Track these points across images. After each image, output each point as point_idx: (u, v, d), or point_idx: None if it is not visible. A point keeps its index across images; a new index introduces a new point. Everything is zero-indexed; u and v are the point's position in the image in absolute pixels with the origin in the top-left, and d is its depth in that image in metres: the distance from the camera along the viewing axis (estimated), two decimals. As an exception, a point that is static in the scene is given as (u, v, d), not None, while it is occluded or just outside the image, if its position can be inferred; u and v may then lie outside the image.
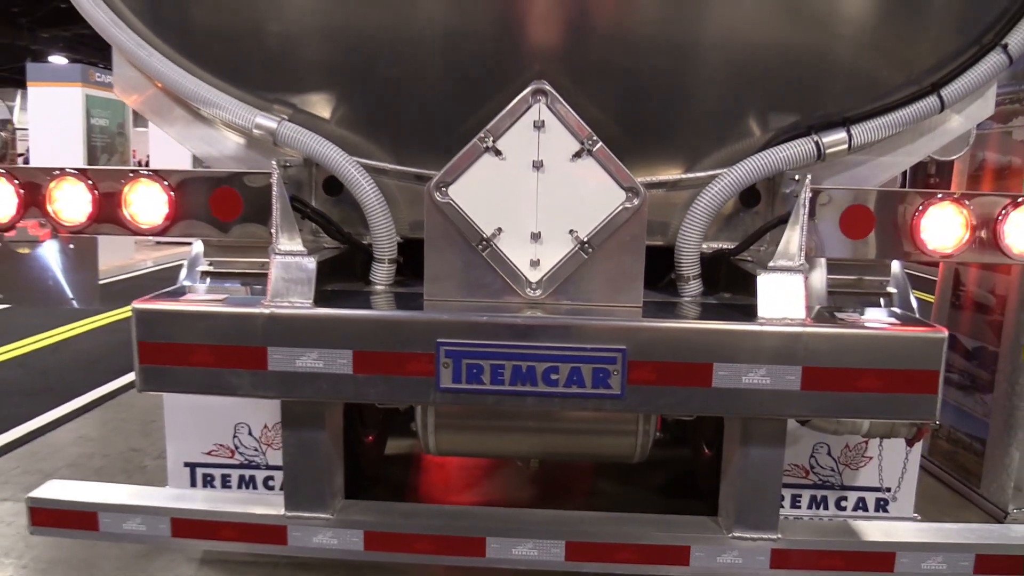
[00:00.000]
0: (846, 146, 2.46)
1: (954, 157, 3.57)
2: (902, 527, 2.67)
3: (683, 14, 2.39)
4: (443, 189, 2.36)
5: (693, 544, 2.46)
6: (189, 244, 3.01)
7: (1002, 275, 4.16)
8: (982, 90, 2.52)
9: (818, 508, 3.40)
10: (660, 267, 2.62)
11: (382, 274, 2.56)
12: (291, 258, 2.34)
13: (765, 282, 2.33)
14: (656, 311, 2.40)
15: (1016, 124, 4.14)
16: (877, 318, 2.44)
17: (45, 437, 5.08)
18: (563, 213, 2.37)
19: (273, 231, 2.38)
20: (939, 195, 2.52)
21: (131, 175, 2.51)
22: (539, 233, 2.38)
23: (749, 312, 2.31)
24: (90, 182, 2.51)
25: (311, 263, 2.34)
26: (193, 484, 3.41)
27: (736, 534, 2.48)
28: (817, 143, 2.45)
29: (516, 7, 2.39)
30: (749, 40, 2.40)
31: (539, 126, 2.33)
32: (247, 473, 3.42)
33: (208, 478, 3.41)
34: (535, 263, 2.39)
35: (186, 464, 3.40)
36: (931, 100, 2.44)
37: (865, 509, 3.39)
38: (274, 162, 2.37)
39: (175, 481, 3.39)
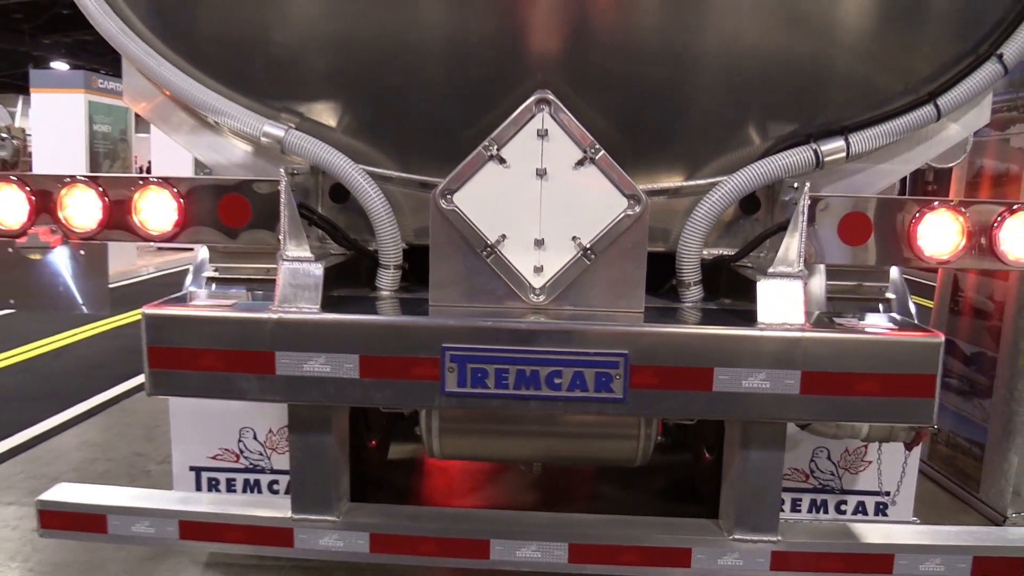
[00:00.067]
0: (844, 154, 2.49)
1: (951, 164, 3.60)
2: (901, 529, 2.69)
3: (684, 24, 2.42)
4: (448, 196, 2.39)
5: (694, 546, 2.48)
6: (191, 250, 3.04)
7: (1000, 281, 4.19)
8: (978, 99, 2.55)
9: (818, 512, 3.43)
10: (661, 273, 2.65)
11: (388, 280, 2.59)
12: (299, 264, 2.37)
13: (765, 288, 2.35)
14: (658, 316, 2.43)
15: (1014, 131, 4.17)
16: (875, 323, 2.47)
17: (49, 442, 5.11)
18: (566, 220, 2.39)
19: (281, 238, 2.40)
20: (936, 202, 2.55)
21: (141, 182, 2.54)
22: (542, 240, 2.41)
23: (749, 317, 2.34)
24: (100, 189, 2.53)
25: (318, 269, 2.37)
26: (198, 488, 3.44)
27: (736, 536, 2.50)
28: (816, 151, 2.48)
29: (519, 17, 2.42)
30: (749, 50, 2.43)
31: (542, 134, 2.36)
32: (252, 477, 3.45)
33: (213, 482, 3.44)
34: (539, 269, 2.42)
35: (191, 468, 3.43)
36: (928, 109, 2.46)
37: (865, 513, 3.42)
38: (282, 170, 2.39)
39: (181, 485, 3.42)
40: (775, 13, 2.41)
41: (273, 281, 2.50)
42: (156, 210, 2.54)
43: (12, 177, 2.55)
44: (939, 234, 2.54)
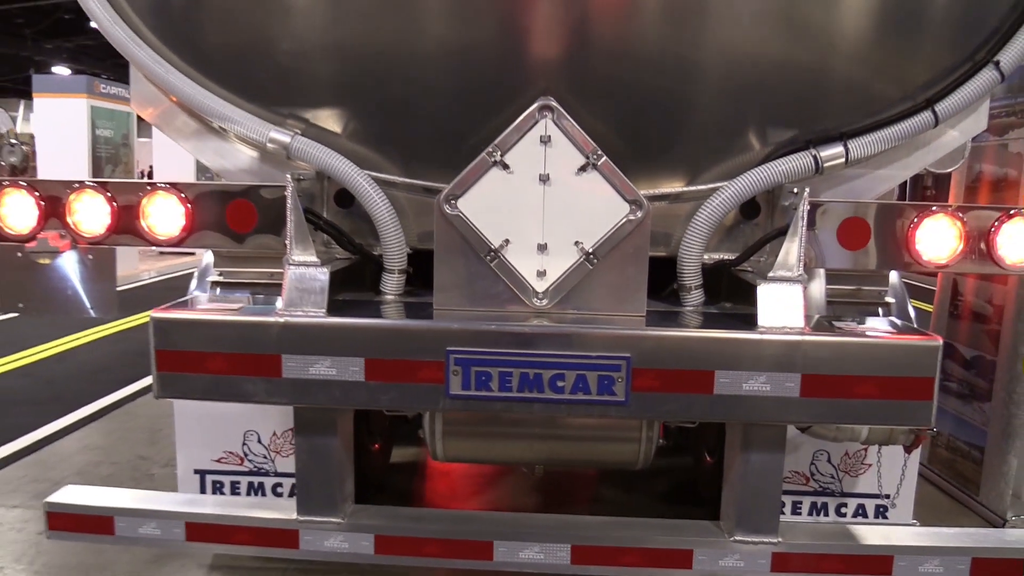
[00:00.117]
0: (843, 160, 2.52)
1: (950, 170, 3.63)
2: (900, 531, 2.71)
3: (685, 32, 2.45)
4: (452, 202, 2.42)
5: (696, 548, 2.50)
6: (193, 254, 3.06)
7: (999, 285, 4.21)
8: (975, 105, 2.58)
9: (818, 514, 3.44)
10: (663, 277, 2.67)
11: (392, 284, 2.61)
12: (305, 269, 2.40)
13: (765, 292, 2.38)
14: (659, 320, 2.45)
15: (1012, 136, 4.20)
16: (874, 327, 2.50)
17: (52, 446, 5.13)
18: (569, 225, 2.42)
19: (287, 242, 2.43)
20: (934, 207, 2.57)
21: (149, 188, 2.57)
22: (545, 244, 2.43)
23: (749, 321, 2.36)
24: (109, 194, 2.56)
25: (324, 273, 2.39)
26: (203, 491, 3.45)
27: (737, 538, 2.52)
28: (815, 157, 2.50)
29: (522, 25, 2.45)
30: (749, 57, 2.46)
31: (545, 141, 2.39)
32: (256, 480, 3.47)
33: (218, 485, 3.45)
34: (541, 273, 2.44)
35: (196, 471, 3.44)
36: (926, 115, 2.49)
37: (865, 516, 3.43)
38: (288, 175, 2.42)
39: (185, 488, 3.43)
40: (775, 21, 2.43)
41: (277, 285, 2.53)
42: (164, 215, 2.56)
43: (21, 183, 2.58)
44: (937, 239, 2.56)
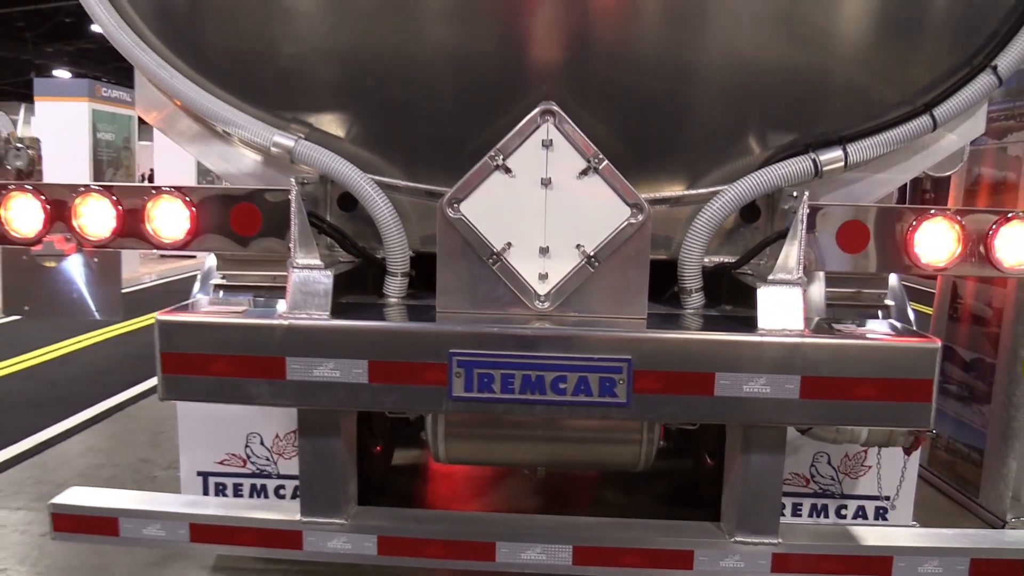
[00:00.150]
0: (842, 164, 2.53)
1: (948, 173, 3.65)
2: (899, 532, 2.72)
3: (685, 37, 2.47)
4: (455, 205, 2.43)
5: (696, 548, 2.51)
6: (194, 258, 3.08)
7: (999, 288, 4.23)
8: (973, 109, 2.60)
9: (818, 516, 3.45)
10: (664, 280, 2.69)
11: (395, 287, 2.63)
12: (309, 272, 2.41)
13: (765, 295, 2.39)
14: (660, 322, 2.47)
15: (1011, 140, 4.22)
16: (873, 329, 2.51)
17: (55, 448, 5.15)
18: (570, 228, 2.44)
19: (291, 246, 2.44)
20: (932, 211, 2.59)
21: (154, 192, 2.59)
22: (547, 247, 2.45)
23: (749, 324, 2.38)
24: (114, 198, 2.58)
25: (328, 276, 2.41)
26: (206, 493, 3.47)
27: (738, 539, 2.53)
28: (814, 161, 2.52)
29: (524, 30, 2.47)
30: (749, 62, 2.48)
31: (547, 145, 2.41)
32: (259, 482, 3.48)
33: (220, 487, 3.47)
34: (543, 276, 2.46)
35: (199, 473, 3.46)
36: (924, 119, 2.51)
37: (865, 517, 3.45)
38: (293, 179, 2.44)
39: (188, 490, 3.45)
40: (775, 26, 2.46)
41: (280, 288, 2.54)
42: (169, 219, 2.58)
43: (27, 186, 2.60)
44: (935, 242, 2.58)
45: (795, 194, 2.48)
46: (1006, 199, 4.19)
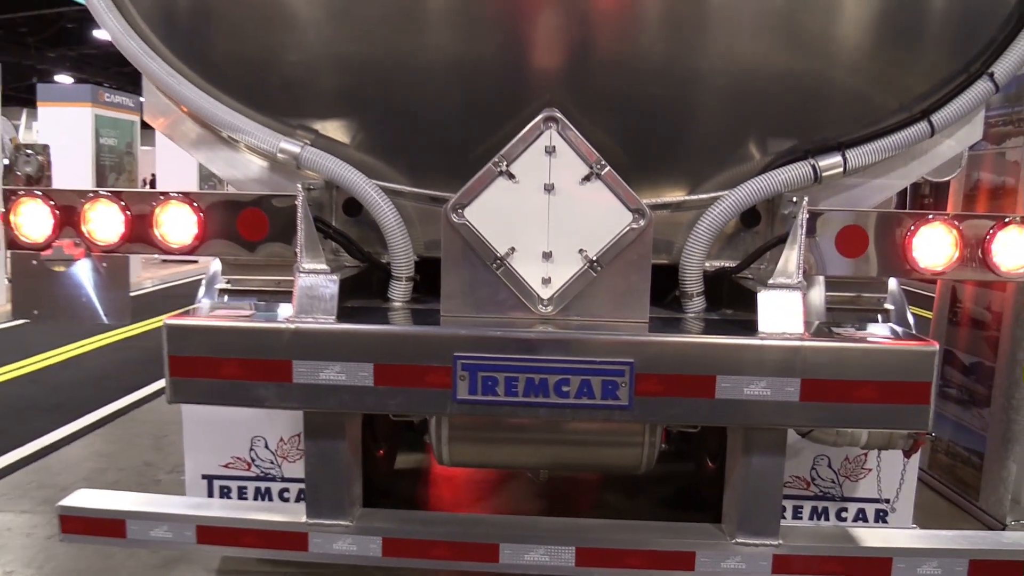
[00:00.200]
0: (841, 169, 2.56)
1: (947, 178, 3.68)
2: (899, 534, 2.75)
3: (686, 45, 2.50)
4: (459, 211, 2.46)
5: (698, 550, 2.53)
6: (196, 263, 3.11)
7: (997, 292, 4.25)
8: (971, 115, 2.62)
9: (819, 519, 3.47)
10: (665, 284, 2.72)
11: (400, 291, 2.66)
12: (315, 276, 2.44)
13: (765, 299, 2.42)
14: (662, 326, 2.49)
15: (1009, 145, 4.24)
16: (873, 333, 2.54)
17: (59, 452, 5.17)
18: (573, 233, 2.46)
19: (298, 251, 2.47)
20: (930, 216, 2.62)
21: (162, 197, 2.62)
22: (550, 252, 2.47)
23: (750, 327, 2.40)
24: (123, 204, 2.61)
25: (334, 281, 2.44)
26: (210, 496, 3.48)
27: (739, 540, 2.55)
28: (814, 166, 2.55)
29: (527, 38, 2.50)
30: (749, 69, 2.51)
31: (550, 151, 2.43)
32: (263, 485, 3.50)
33: (225, 490, 3.49)
34: (546, 281, 2.49)
35: (204, 476, 3.47)
36: (922, 126, 2.54)
37: (865, 520, 3.46)
38: (299, 185, 2.47)
39: (193, 493, 3.46)
40: (774, 34, 2.49)
41: (283, 293, 2.57)
42: (177, 224, 2.61)
43: (37, 192, 2.63)
44: (933, 246, 2.61)
45: (795, 199, 2.50)
46: (1005, 204, 4.21)
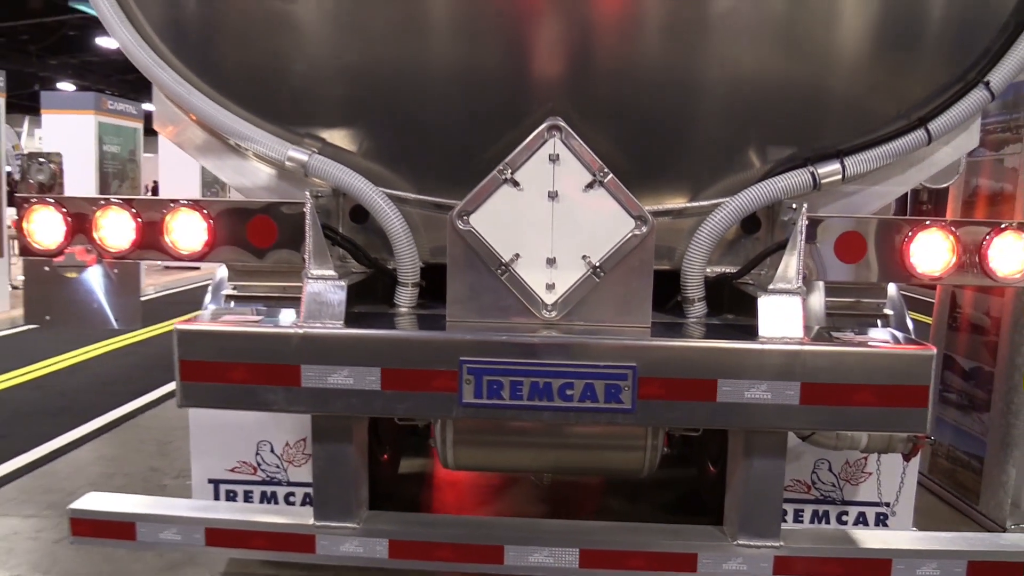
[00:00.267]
0: (840, 177, 2.60)
1: (945, 185, 3.72)
2: (898, 535, 2.78)
3: (687, 55, 2.55)
4: (465, 217, 2.50)
5: (700, 551, 2.56)
6: (198, 269, 3.15)
7: (997, 297, 4.28)
8: (967, 123, 2.66)
9: (820, 522, 3.49)
10: (667, 290, 2.75)
11: (406, 297, 2.69)
12: (323, 282, 2.48)
13: (765, 304, 2.45)
14: (664, 331, 2.53)
15: (1007, 152, 4.28)
16: (872, 337, 2.57)
17: (65, 457, 5.20)
18: (576, 240, 2.50)
19: (306, 257, 2.51)
20: (927, 222, 2.66)
21: (172, 204, 2.66)
22: (554, 258, 2.51)
23: (750, 332, 2.43)
24: (134, 211, 2.65)
25: (342, 287, 2.48)
26: (217, 500, 3.50)
27: (740, 542, 2.58)
28: (813, 174, 2.59)
29: (531, 48, 2.55)
30: (749, 78, 2.56)
31: (554, 159, 2.47)
32: (269, 489, 3.53)
33: (231, 494, 3.51)
34: (550, 286, 2.52)
35: (210, 480, 3.50)
36: (919, 133, 2.58)
37: (865, 523, 3.48)
38: (307, 193, 2.51)
39: (199, 497, 3.48)
40: (774, 44, 2.54)
41: (289, 299, 2.60)
42: (187, 231, 2.65)
43: (50, 200, 2.67)
44: (931, 252, 2.64)
45: (794, 206, 2.53)
46: (1003, 210, 4.24)
